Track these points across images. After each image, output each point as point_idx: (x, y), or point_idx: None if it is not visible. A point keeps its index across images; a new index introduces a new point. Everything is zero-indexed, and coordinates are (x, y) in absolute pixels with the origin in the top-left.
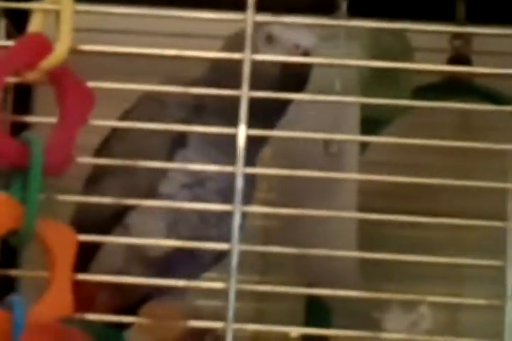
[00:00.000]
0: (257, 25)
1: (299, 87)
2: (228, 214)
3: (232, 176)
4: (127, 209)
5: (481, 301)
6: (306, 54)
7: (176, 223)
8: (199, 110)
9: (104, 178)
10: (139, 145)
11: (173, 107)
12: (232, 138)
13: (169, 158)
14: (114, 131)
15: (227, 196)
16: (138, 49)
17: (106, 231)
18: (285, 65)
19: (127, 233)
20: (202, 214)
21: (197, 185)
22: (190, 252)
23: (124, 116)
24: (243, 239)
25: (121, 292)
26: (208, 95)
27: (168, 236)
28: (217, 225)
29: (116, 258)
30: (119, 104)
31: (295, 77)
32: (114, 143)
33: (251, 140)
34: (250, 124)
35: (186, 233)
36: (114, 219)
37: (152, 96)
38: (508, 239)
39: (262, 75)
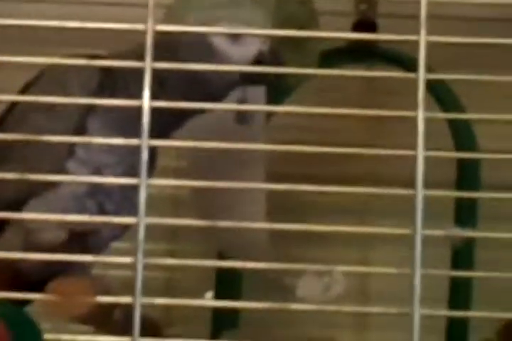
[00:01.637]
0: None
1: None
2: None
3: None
4: (26, 198)
5: (390, 270)
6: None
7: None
8: (101, 93)
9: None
10: (38, 129)
11: (75, 89)
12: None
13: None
14: (9, 109)
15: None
16: (38, 21)
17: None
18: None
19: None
20: (100, 205)
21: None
22: (83, 240)
23: (23, 92)
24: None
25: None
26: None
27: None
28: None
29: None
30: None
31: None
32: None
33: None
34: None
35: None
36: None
37: (54, 75)
38: (417, 207)
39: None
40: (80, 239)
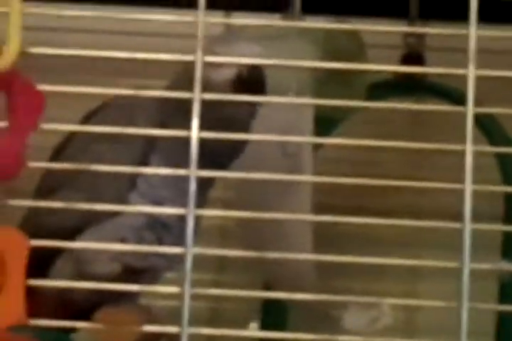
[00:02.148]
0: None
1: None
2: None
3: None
4: (83, 227)
5: (437, 303)
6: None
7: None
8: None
9: (59, 192)
10: (100, 157)
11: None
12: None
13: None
14: (70, 138)
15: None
16: (88, 51)
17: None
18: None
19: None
20: (159, 238)
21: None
22: (137, 276)
23: (84, 122)
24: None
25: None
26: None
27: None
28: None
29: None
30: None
31: (250, 86)
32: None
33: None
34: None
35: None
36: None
37: (120, 107)
38: (465, 240)
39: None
40: (134, 274)
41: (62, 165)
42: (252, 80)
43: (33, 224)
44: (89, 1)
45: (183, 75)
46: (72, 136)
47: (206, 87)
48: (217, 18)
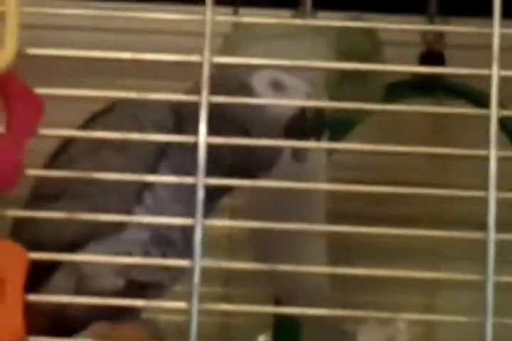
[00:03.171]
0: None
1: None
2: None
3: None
4: (86, 239)
5: (460, 318)
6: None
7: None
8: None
9: (57, 201)
10: (104, 164)
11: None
12: None
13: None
14: (70, 143)
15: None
16: (90, 52)
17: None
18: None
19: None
20: (164, 254)
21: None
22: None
23: (88, 125)
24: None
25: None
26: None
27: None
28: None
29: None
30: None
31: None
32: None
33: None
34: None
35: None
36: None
37: (126, 111)
38: (489, 251)
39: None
40: (138, 289)
41: (62, 172)
42: (306, 123)
43: (26, 235)
44: None
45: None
46: (72, 140)
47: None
48: (226, 16)
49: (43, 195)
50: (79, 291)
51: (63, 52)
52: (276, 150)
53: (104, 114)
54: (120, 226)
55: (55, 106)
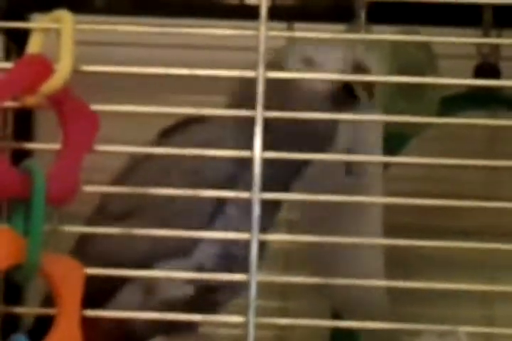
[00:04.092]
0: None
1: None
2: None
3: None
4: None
5: None
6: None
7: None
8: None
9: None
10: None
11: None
12: None
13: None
14: (142, 160)
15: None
16: (145, 68)
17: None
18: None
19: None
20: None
21: None
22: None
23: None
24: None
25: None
26: None
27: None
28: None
29: (133, 301)
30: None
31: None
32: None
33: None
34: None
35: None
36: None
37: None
38: None
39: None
40: (208, 294)
41: (119, 189)
42: (345, 94)
43: (93, 253)
44: (145, 13)
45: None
46: (140, 161)
47: (299, 99)
48: (280, 31)
49: (109, 213)
50: (147, 303)
51: (117, 68)
52: (328, 123)
53: (177, 131)
54: (190, 249)
55: (112, 123)
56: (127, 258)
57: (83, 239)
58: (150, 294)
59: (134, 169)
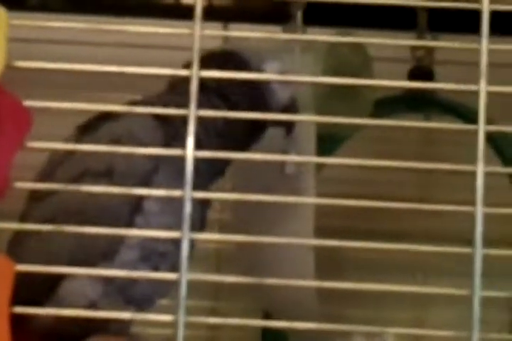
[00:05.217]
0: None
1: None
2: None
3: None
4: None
5: (446, 332)
6: None
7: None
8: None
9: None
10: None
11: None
12: None
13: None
14: (61, 159)
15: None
16: (77, 65)
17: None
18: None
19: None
20: (156, 268)
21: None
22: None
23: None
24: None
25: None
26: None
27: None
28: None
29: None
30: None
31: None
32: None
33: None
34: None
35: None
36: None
37: (116, 125)
38: (476, 266)
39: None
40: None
41: (49, 185)
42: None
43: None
44: (80, 11)
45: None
46: (58, 164)
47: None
48: (215, 31)
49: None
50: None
51: (51, 65)
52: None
53: (92, 128)
54: (112, 253)
55: (45, 120)
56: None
57: (9, 247)
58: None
59: (51, 170)
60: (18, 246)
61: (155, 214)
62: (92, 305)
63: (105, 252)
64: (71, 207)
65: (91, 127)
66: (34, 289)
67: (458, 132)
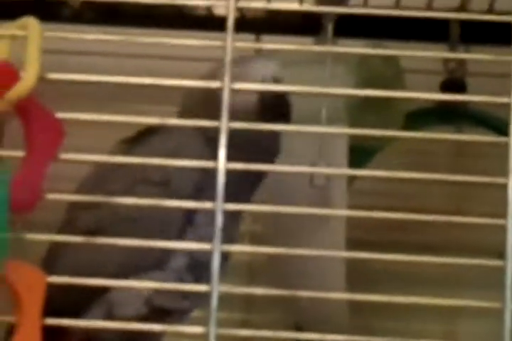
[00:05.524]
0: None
1: (282, 118)
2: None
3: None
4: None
5: None
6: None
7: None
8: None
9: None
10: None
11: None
12: None
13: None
14: (111, 169)
15: None
16: (111, 77)
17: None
18: (262, 99)
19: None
20: (197, 279)
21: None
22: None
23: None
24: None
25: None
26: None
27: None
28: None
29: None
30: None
31: (275, 109)
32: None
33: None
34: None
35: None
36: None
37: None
38: (507, 278)
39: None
40: (161, 315)
41: (84, 197)
42: (275, 103)
43: (64, 265)
44: (112, 23)
45: (199, 99)
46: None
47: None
48: (247, 42)
49: (80, 229)
50: (107, 318)
51: (83, 77)
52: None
53: (140, 141)
54: (163, 261)
55: (78, 133)
56: (96, 274)
57: (51, 255)
58: (109, 310)
59: (99, 181)
60: (59, 256)
61: (204, 225)
62: (140, 314)
63: (158, 260)
64: (120, 215)
65: (140, 140)
66: (73, 300)
67: (489, 144)
